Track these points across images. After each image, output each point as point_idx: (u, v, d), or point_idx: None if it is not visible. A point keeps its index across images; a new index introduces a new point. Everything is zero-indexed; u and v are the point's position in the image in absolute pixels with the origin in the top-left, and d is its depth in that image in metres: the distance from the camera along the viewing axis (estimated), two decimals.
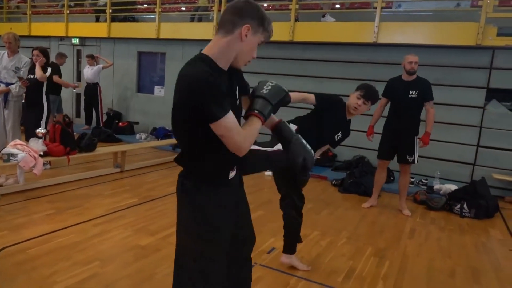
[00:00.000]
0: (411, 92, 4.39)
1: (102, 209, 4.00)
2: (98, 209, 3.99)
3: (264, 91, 1.60)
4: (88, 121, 8.63)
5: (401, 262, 3.30)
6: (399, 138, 4.51)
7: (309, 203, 4.72)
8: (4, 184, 4.33)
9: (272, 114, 1.66)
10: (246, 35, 1.48)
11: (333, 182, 5.74)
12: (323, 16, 6.71)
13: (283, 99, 1.64)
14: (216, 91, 1.40)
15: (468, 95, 5.87)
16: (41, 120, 5.09)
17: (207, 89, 1.39)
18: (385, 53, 6.40)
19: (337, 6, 7.13)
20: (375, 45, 6.27)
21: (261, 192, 5.10)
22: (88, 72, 8.33)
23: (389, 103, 4.72)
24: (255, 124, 1.54)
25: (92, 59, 8.34)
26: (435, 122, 4.55)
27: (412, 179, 5.84)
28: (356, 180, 5.42)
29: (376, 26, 5.97)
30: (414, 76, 4.45)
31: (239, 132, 1.46)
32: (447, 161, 6.00)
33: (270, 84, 1.64)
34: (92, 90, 8.33)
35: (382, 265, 3.20)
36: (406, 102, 4.42)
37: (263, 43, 1.57)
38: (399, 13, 6.50)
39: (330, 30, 6.43)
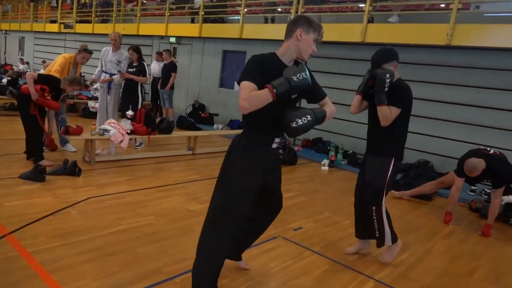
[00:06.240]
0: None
1: (169, 180, 4.79)
2: (166, 179, 4.80)
3: (295, 78, 1.97)
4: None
5: (421, 255, 3.42)
6: None
7: (352, 197, 4.95)
8: (99, 154, 5.41)
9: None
10: (300, 35, 2.12)
11: None
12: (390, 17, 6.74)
13: (303, 87, 2.01)
14: (253, 65, 2.05)
15: None
16: (137, 107, 5.93)
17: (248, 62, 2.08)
18: (459, 56, 6.19)
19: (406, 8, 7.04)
20: (448, 48, 6.11)
21: (312, 183, 5.45)
22: (155, 67, 8.98)
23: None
24: (264, 95, 1.96)
25: (162, 56, 8.71)
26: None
27: (474, 188, 5.60)
28: (409, 181, 5.42)
29: (451, 28, 5.83)
30: None
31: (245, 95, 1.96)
32: None
33: (304, 75, 1.99)
34: (157, 83, 8.75)
35: (400, 255, 3.35)
36: None
37: (317, 40, 2.16)
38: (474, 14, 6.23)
39: (400, 31, 6.42)
